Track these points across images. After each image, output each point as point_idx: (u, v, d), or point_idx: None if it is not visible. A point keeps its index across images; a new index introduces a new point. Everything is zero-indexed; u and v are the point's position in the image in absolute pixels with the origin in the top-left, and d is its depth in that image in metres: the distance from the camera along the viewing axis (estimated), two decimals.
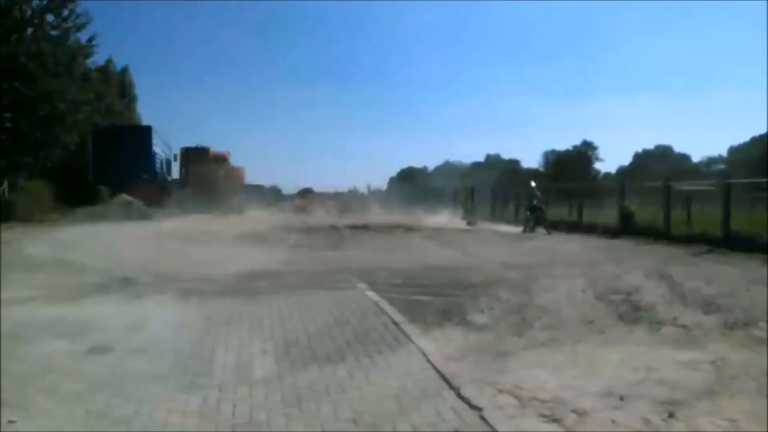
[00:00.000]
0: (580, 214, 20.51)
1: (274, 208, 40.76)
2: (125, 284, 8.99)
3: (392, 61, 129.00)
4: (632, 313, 6.79)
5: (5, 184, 22.44)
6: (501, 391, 4.36)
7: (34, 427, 3.60)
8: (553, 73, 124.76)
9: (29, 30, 24.45)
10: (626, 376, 4.69)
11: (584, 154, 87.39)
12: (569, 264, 10.71)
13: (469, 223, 21.48)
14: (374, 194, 49.53)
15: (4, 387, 4.28)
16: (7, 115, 22.80)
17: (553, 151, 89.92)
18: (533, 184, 21.50)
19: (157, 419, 3.74)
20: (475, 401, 3.94)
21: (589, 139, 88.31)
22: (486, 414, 3.74)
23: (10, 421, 3.65)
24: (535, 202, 19.76)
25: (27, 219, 21.96)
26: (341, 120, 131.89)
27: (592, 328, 6.20)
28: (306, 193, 50.97)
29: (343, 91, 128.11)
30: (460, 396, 4.06)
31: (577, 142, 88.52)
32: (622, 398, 4.18)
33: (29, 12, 24.70)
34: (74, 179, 29.69)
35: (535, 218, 19.26)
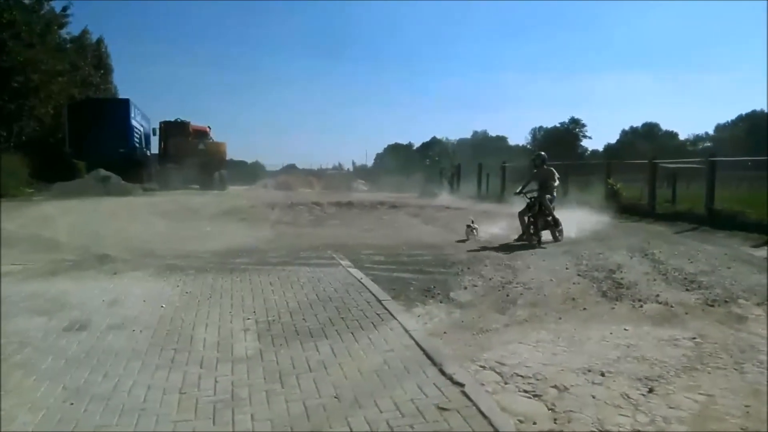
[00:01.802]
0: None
1: (256, 184, 40.55)
2: (103, 261, 8.84)
3: (381, 36, 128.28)
4: (615, 290, 6.85)
5: None
6: (483, 368, 4.38)
7: (10, 403, 3.52)
8: (543, 49, 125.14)
9: None
10: (607, 352, 4.73)
11: (572, 131, 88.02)
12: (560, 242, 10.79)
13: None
14: (359, 171, 49.48)
15: None
16: None
17: (540, 128, 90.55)
18: (543, 155, 11.84)
19: (136, 395, 3.68)
20: (457, 377, 3.94)
21: (577, 116, 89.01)
22: (468, 390, 3.75)
23: None
24: (547, 196, 11.06)
25: (1, 194, 21.47)
26: (327, 95, 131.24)
27: (575, 305, 6.25)
28: (289, 169, 50.82)
29: (329, 65, 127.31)
30: (442, 372, 4.06)
31: (565, 119, 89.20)
32: (602, 374, 4.23)
33: None
34: (50, 153, 29.04)
35: (542, 221, 10.87)
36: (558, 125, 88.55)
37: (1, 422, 3.28)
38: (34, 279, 7.37)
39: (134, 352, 4.53)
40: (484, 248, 10.11)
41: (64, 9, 29.05)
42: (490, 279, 7.50)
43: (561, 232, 11.02)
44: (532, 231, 10.70)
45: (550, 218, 10.89)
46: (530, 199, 11.01)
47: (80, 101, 32.98)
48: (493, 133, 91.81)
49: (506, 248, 10.13)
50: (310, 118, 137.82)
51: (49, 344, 4.72)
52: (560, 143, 75.94)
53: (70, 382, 3.90)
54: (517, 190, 11.58)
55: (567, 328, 5.41)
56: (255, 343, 4.81)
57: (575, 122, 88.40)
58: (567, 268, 8.12)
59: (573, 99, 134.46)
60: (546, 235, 10.96)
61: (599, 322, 5.65)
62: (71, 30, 34.16)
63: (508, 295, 6.67)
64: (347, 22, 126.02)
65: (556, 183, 11.33)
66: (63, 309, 5.81)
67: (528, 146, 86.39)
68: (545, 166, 11.45)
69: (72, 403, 3.54)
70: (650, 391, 3.95)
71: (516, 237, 11.08)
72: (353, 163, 55.63)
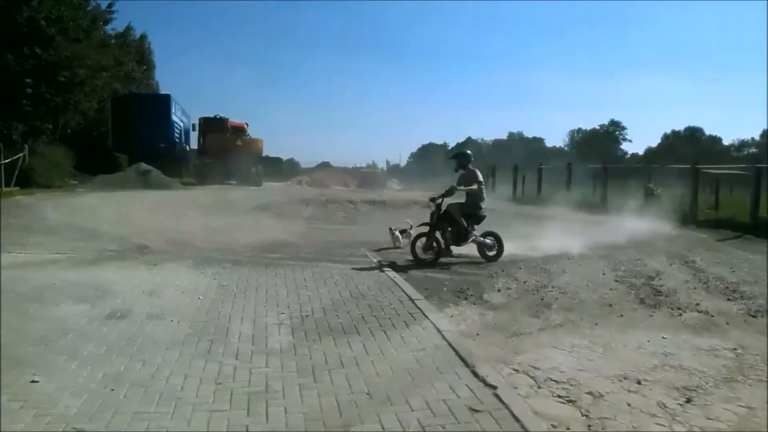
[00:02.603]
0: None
1: (291, 180, 40.96)
2: (143, 251, 9.07)
3: (418, 33, 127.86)
4: (653, 297, 6.71)
5: (26, 150, 22.65)
6: (516, 371, 4.34)
7: (54, 387, 3.64)
8: (583, 48, 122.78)
9: None
10: (644, 360, 4.63)
11: (611, 134, 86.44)
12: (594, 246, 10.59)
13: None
14: (393, 170, 49.50)
15: (27, 348, 4.36)
16: (28, 80, 22.90)
17: (579, 130, 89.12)
18: (465, 153, 9.78)
19: (173, 384, 3.77)
20: (490, 379, 3.92)
21: (617, 118, 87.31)
22: (500, 392, 3.72)
23: (33, 381, 3.71)
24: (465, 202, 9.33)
25: (46, 185, 22.22)
26: (362, 94, 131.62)
27: (611, 311, 6.14)
28: (324, 166, 51.15)
29: (364, 63, 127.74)
30: (474, 373, 4.04)
31: (605, 121, 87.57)
32: (639, 382, 4.15)
33: None
34: (93, 146, 29.91)
35: (449, 234, 8.99)
36: (597, 127, 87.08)
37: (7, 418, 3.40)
38: (77, 267, 7.61)
39: (172, 341, 4.64)
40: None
41: (110, 5, 29.81)
42: (524, 282, 7.42)
43: (490, 247, 9.09)
44: (426, 244, 8.79)
45: (462, 230, 8.96)
46: (436, 206, 9.06)
47: (123, 96, 33.83)
48: (529, 134, 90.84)
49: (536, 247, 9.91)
50: (345, 117, 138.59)
51: (91, 331, 4.87)
52: (599, 146, 74.67)
53: (111, 368, 4.01)
54: (434, 196, 9.21)
55: (603, 334, 5.32)
56: (289, 337, 4.87)
57: (615, 125, 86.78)
58: (604, 274, 7.99)
59: (613, 101, 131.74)
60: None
61: (636, 329, 5.54)
62: (116, 26, 35.08)
63: (542, 299, 6.59)
64: (385, 20, 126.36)
65: (474, 186, 9.07)
66: (105, 297, 5.99)
67: (566, 148, 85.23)
68: (470, 167, 9.36)
69: (112, 389, 3.64)
70: (688, 401, 3.86)
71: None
72: (387, 162, 55.81)
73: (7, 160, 20.88)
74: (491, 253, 9.03)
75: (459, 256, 9.16)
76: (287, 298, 6.21)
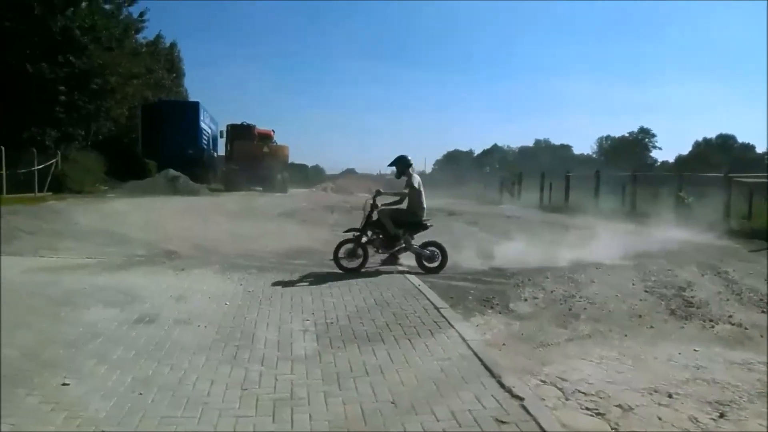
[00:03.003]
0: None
1: (316, 187, 41.25)
2: (171, 257, 9.21)
3: (444, 40, 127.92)
4: (684, 308, 6.56)
5: (58, 156, 23.22)
6: (543, 382, 4.28)
7: (84, 390, 3.71)
8: (611, 53, 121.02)
9: (84, 4, 25.05)
10: (675, 373, 4.53)
11: (641, 141, 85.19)
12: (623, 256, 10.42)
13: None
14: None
15: (58, 351, 4.44)
16: (62, 88, 23.51)
17: (607, 137, 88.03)
18: (403, 157, 9.00)
19: (200, 389, 3.80)
20: (516, 390, 3.87)
21: (646, 125, 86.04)
22: (527, 403, 3.67)
23: (64, 384, 3.77)
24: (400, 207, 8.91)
25: (78, 190, 22.75)
26: (387, 100, 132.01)
27: (641, 322, 6.02)
28: (348, 173, 51.43)
29: (390, 70, 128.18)
30: (500, 384, 3.99)
31: (634, 128, 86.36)
32: (670, 395, 4.05)
33: None
34: (124, 152, 30.52)
35: (380, 241, 8.63)
36: (626, 135, 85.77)
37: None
38: (107, 272, 7.76)
39: (199, 346, 4.69)
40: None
41: (141, 14, 30.49)
42: (551, 292, 7.32)
43: (429, 257, 8.51)
44: (351, 251, 8.32)
45: (389, 237, 8.52)
46: (368, 211, 8.60)
47: (153, 103, 34.53)
48: (556, 141, 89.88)
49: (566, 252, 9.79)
50: (371, 123, 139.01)
51: (121, 335, 4.95)
52: (628, 153, 73.58)
53: (139, 372, 4.07)
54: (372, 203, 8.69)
55: (632, 346, 5.22)
56: (313, 344, 4.88)
57: (644, 132, 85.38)
58: (633, 284, 7.84)
59: (643, 107, 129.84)
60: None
61: (667, 341, 5.42)
62: (146, 34, 35.82)
63: (570, 309, 6.50)
64: (411, 27, 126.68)
65: (406, 190, 8.67)
66: (133, 302, 6.08)
67: (594, 156, 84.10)
68: (410, 172, 8.83)
69: (140, 393, 3.69)
70: (721, 416, 3.76)
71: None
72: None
73: (40, 166, 21.45)
74: (431, 265, 8.42)
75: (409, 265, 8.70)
76: (312, 305, 6.23)
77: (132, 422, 3.29)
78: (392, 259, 8.65)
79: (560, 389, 4.16)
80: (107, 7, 26.96)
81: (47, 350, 4.45)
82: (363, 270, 8.22)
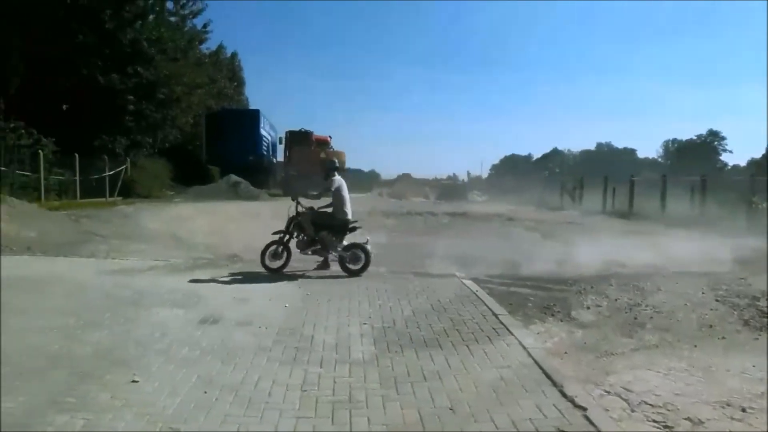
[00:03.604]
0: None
1: (372, 192, 41.53)
2: (233, 260, 9.46)
3: (499, 42, 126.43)
4: (758, 319, 6.21)
5: (128, 162, 24.38)
6: (607, 393, 4.14)
7: (153, 387, 3.85)
8: (678, 54, 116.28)
9: (151, 17, 26.27)
10: (748, 386, 4.29)
11: (710, 144, 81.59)
12: (692, 263, 9.98)
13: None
14: (474, 182, 49.09)
15: (127, 349, 4.64)
16: (130, 97, 24.71)
17: (674, 141, 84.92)
18: (331, 161, 9.61)
19: (261, 389, 3.88)
20: (579, 400, 3.76)
21: (716, 128, 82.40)
22: (590, 414, 3.56)
23: (134, 381, 3.94)
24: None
25: (145, 195, 23.80)
26: (443, 105, 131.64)
27: (712, 333, 5.73)
28: (404, 178, 51.46)
29: (446, 75, 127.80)
30: (562, 393, 3.89)
31: (703, 131, 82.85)
32: (743, 410, 3.84)
33: (151, 0, 26.58)
34: (188, 159, 31.72)
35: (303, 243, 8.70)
36: (694, 138, 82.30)
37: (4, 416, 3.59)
38: (174, 274, 8.05)
39: (260, 347, 4.79)
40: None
41: (205, 26, 31.80)
42: (615, 300, 7.09)
43: (351, 259, 8.46)
44: (275, 252, 8.50)
45: (308, 239, 8.62)
46: (296, 214, 8.76)
47: (216, 112, 35.78)
48: (619, 144, 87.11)
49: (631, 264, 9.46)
50: (426, 128, 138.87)
51: (186, 335, 5.11)
52: (696, 157, 70.50)
53: (204, 371, 4.19)
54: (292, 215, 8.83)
55: (702, 357, 4.99)
56: (371, 347, 4.90)
57: (714, 135, 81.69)
58: (703, 293, 7.48)
59: (712, 109, 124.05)
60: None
61: (740, 352, 5.15)
62: (209, 45, 37.21)
63: (635, 318, 6.27)
64: (469, 32, 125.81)
65: (314, 193, 9.05)
66: (198, 303, 6.29)
67: (659, 160, 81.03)
68: (335, 175, 9.02)
69: (205, 392, 3.80)
70: None
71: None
72: (468, 174, 55.34)
73: (111, 172, 22.59)
74: (353, 267, 8.42)
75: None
76: (369, 309, 6.26)
77: (197, 420, 3.39)
78: (324, 265, 8.73)
79: (625, 400, 4.01)
80: (173, 19, 28.22)
81: (118, 348, 4.65)
82: (286, 271, 8.39)
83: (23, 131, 17.47)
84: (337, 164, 9.43)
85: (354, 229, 8.93)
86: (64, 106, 23.67)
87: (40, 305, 5.94)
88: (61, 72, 22.60)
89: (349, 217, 8.87)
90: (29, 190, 17.59)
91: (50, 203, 17.24)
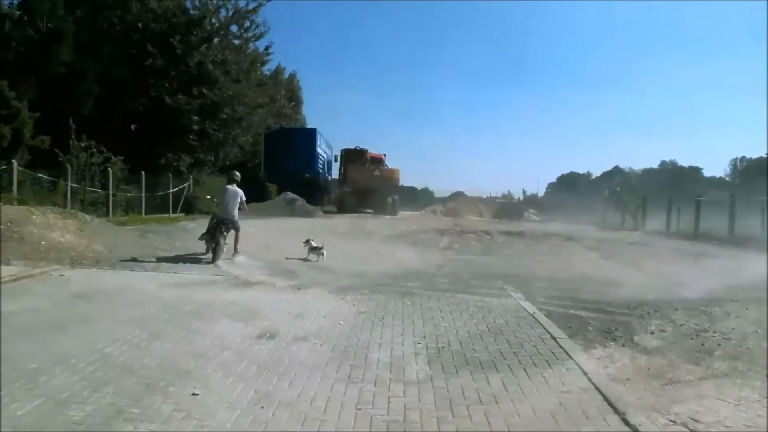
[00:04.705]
0: None
1: (425, 209, 41.43)
2: (290, 276, 9.62)
3: (557, 58, 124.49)
4: None
5: (191, 180, 25.29)
6: (673, 422, 3.95)
7: (213, 400, 3.94)
8: (746, 66, 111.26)
9: (216, 40, 27.37)
10: None
11: None
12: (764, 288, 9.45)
13: None
14: (529, 200, 48.23)
15: (189, 361, 4.77)
16: (195, 117, 25.70)
17: (743, 159, 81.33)
18: (233, 173, 13.23)
19: (317, 406, 3.91)
20: (643, 429, 3.60)
21: None
22: None
23: (194, 394, 4.04)
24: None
25: (206, 211, 24.52)
26: (498, 122, 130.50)
27: None
28: (457, 196, 51.09)
29: (502, 91, 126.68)
30: (625, 421, 3.74)
31: None
32: None
33: (217, 24, 27.73)
34: (248, 176, 32.46)
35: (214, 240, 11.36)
36: (764, 155, 78.19)
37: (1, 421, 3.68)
38: (233, 288, 8.25)
39: (315, 364, 4.84)
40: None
41: (267, 48, 32.85)
42: (681, 325, 6.79)
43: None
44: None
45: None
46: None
47: (275, 130, 36.67)
48: (684, 162, 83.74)
49: (682, 284, 9.03)
50: (481, 145, 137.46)
51: (244, 349, 5.22)
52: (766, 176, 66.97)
53: (261, 386, 4.26)
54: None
55: None
56: (426, 367, 4.86)
57: None
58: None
59: None
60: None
61: None
62: (269, 66, 38.35)
63: (703, 345, 5.97)
64: (524, 46, 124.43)
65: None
66: (256, 318, 6.42)
67: (727, 178, 77.49)
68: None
69: (262, 407, 3.86)
70: None
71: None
72: (523, 192, 54.32)
73: (175, 189, 23.46)
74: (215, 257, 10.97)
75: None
76: (423, 328, 6.22)
77: None
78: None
79: (692, 431, 3.81)
80: (236, 42, 29.28)
81: (180, 360, 4.79)
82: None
83: (95, 150, 18.37)
84: (234, 175, 12.89)
85: (229, 228, 11.69)
86: (133, 126, 24.87)
87: (109, 316, 6.21)
88: (131, 93, 23.77)
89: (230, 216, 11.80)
90: (99, 206, 18.47)
91: (117, 218, 18.04)
